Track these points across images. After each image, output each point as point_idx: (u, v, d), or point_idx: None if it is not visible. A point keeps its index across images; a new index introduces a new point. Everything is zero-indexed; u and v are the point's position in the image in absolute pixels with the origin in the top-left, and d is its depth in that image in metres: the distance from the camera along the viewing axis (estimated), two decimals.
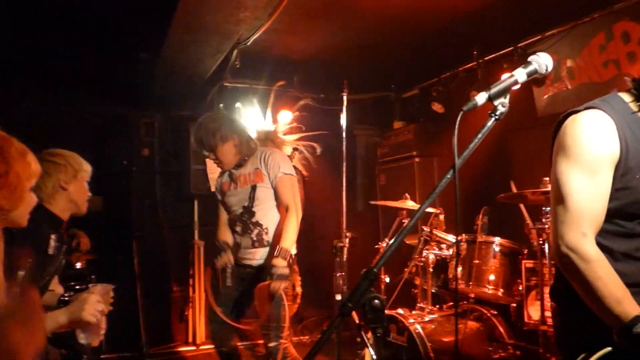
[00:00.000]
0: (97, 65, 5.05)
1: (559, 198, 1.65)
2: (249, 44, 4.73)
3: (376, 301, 1.40)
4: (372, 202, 4.94)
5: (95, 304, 2.05)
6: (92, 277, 4.63)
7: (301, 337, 5.99)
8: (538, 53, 1.63)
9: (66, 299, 2.41)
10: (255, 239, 3.38)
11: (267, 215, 3.39)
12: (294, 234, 3.24)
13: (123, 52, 4.91)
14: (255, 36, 4.60)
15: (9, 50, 4.56)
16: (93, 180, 2.80)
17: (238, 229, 3.44)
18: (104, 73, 5.21)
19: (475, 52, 5.11)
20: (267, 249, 3.37)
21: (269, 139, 4.50)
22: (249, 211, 3.37)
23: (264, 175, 3.36)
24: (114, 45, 4.77)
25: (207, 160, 5.39)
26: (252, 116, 5.80)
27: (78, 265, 4.77)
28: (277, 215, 3.42)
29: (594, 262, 1.55)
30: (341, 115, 3.23)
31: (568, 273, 1.61)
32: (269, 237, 3.38)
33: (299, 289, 3.57)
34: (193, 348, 5.49)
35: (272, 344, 3.33)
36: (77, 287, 3.73)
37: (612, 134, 1.61)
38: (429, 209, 3.79)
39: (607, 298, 1.51)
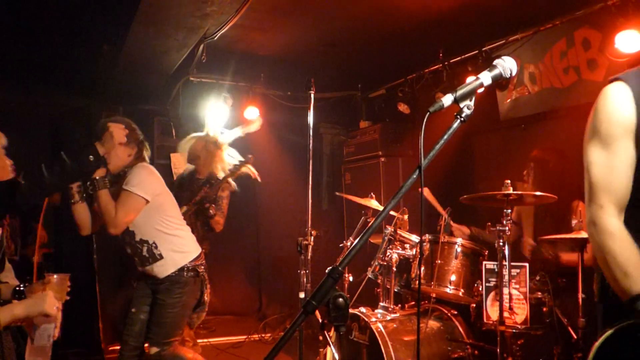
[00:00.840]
0: (55, 53, 4.91)
1: (584, 173, 1.68)
2: (215, 39, 4.68)
3: (340, 299, 1.41)
4: (338, 194, 4.94)
5: (54, 297, 2.01)
6: (50, 271, 4.52)
7: (263, 335, 5.97)
8: (503, 57, 1.66)
9: (21, 289, 2.35)
10: (147, 255, 3.31)
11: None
12: None
13: (86, 42, 4.78)
14: (222, 31, 4.54)
15: None
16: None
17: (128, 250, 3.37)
18: (63, 62, 5.07)
19: (441, 54, 5.18)
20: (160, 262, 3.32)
21: (210, 143, 4.48)
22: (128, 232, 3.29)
23: None
24: (77, 35, 4.64)
25: (172, 154, 5.33)
26: (218, 112, 5.75)
27: (35, 258, 4.65)
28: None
29: (609, 235, 1.57)
30: (308, 113, 3.21)
31: (591, 245, 1.64)
32: (159, 250, 3.30)
33: (206, 298, 3.53)
34: None
35: (153, 350, 3.28)
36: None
37: (627, 104, 1.61)
38: (393, 212, 3.82)
39: (615, 270, 1.54)
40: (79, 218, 3.23)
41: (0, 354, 2.23)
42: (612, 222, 1.59)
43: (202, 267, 3.47)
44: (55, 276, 2.19)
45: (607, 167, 1.61)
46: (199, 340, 5.63)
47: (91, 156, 2.90)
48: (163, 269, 3.31)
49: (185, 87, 5.80)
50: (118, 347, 5.18)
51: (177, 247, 3.37)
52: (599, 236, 1.59)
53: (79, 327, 4.77)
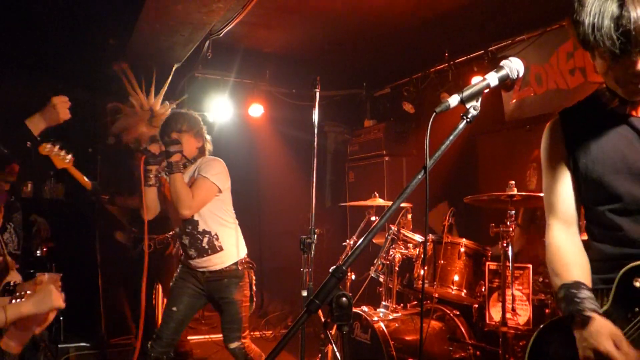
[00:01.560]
0: (62, 47, 4.91)
1: None
2: (221, 35, 4.68)
3: (343, 299, 1.40)
4: (342, 204, 4.95)
5: (58, 294, 2.01)
6: (53, 264, 4.53)
7: (264, 332, 5.97)
8: (510, 58, 1.65)
9: (11, 287, 2.34)
10: (207, 247, 3.36)
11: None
12: None
13: (92, 36, 4.79)
14: (228, 28, 4.54)
15: None
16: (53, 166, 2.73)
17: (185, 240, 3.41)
18: (69, 56, 5.07)
19: (446, 54, 5.16)
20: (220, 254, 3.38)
21: (142, 119, 4.53)
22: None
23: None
24: (83, 29, 4.64)
25: None
26: (221, 108, 5.76)
27: (38, 252, 4.66)
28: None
29: (547, 245, 1.81)
30: (313, 111, 3.20)
31: None
32: (219, 242, 3.37)
33: (254, 290, 3.58)
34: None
35: (234, 345, 3.33)
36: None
37: (558, 135, 1.84)
38: (403, 204, 3.81)
39: (550, 272, 1.77)
40: (150, 200, 3.34)
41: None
42: (552, 235, 1.81)
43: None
44: (46, 275, 2.18)
45: (550, 190, 1.83)
46: (200, 337, 5.67)
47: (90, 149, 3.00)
48: (220, 260, 3.36)
49: (190, 83, 5.80)
50: (120, 341, 5.25)
51: (235, 241, 3.44)
52: (546, 247, 1.81)
53: (82, 321, 4.78)
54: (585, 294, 1.61)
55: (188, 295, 3.43)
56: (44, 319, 2.04)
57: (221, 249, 3.36)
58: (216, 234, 3.36)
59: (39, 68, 5.19)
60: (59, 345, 4.67)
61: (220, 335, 3.44)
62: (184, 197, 3.19)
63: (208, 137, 3.55)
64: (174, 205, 3.25)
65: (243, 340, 3.36)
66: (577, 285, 1.64)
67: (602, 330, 1.52)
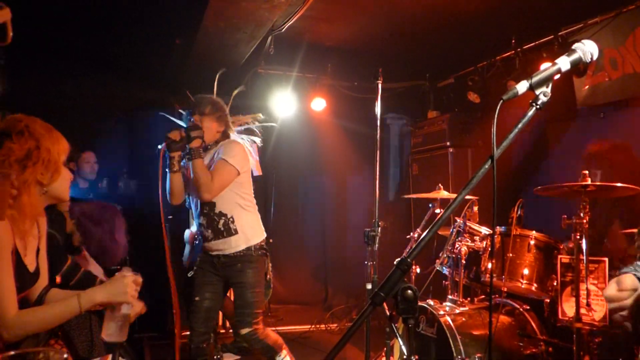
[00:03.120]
0: (129, 48, 5.10)
1: None
2: (283, 30, 4.72)
3: (409, 292, 1.39)
4: (406, 197, 4.87)
5: (133, 285, 2.06)
6: (127, 258, 4.71)
7: (330, 325, 6.01)
8: (583, 40, 1.57)
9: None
10: (222, 229, 3.39)
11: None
12: None
13: (159, 36, 4.94)
14: (290, 23, 4.58)
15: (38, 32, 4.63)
16: (127, 164, 2.84)
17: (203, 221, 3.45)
18: (137, 56, 5.26)
19: (513, 41, 4.99)
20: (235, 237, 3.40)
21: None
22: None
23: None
24: (150, 29, 4.80)
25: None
26: (284, 103, 5.82)
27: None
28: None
29: None
30: (375, 104, 3.18)
31: None
32: (235, 225, 3.40)
33: (270, 276, 3.60)
34: (222, 331, 5.55)
35: (245, 331, 3.35)
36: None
37: None
38: (465, 197, 3.74)
39: None
40: (175, 186, 3.40)
41: (89, 336, 2.34)
42: None
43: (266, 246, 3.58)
44: (131, 273, 2.24)
45: None
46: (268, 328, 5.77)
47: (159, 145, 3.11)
48: (235, 244, 3.39)
49: (253, 79, 5.89)
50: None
51: (251, 225, 3.47)
52: None
53: (153, 312, 4.96)
54: None
55: (209, 284, 3.48)
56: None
57: (236, 232, 3.39)
58: (232, 217, 3.39)
59: (108, 68, 5.42)
60: (134, 335, 4.88)
61: (288, 328, 3.49)
62: (204, 181, 3.23)
63: (234, 122, 3.57)
64: (194, 188, 3.32)
65: (255, 327, 3.36)
66: None
67: None
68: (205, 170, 3.27)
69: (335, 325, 6.01)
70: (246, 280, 3.38)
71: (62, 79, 5.40)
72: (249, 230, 3.44)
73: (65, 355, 1.36)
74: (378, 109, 3.20)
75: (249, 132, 3.68)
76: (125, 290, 2.01)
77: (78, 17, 4.61)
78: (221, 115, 3.45)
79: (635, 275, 2.65)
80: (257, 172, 5.92)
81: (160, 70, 5.53)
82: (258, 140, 3.67)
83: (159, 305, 5.16)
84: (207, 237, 3.43)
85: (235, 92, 4.49)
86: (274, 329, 5.67)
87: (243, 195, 3.45)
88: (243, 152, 3.43)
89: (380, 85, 3.24)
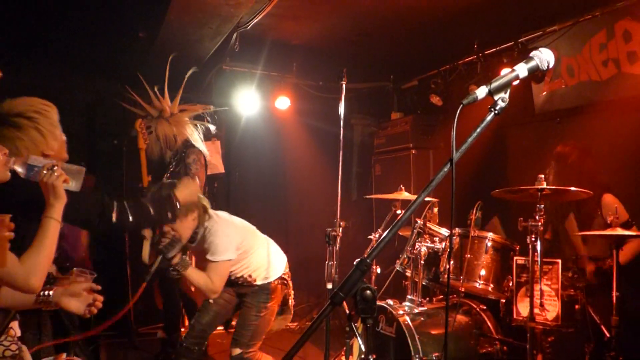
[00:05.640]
0: (92, 40, 4.98)
1: None
2: (249, 27, 4.69)
3: (368, 292, 1.40)
4: (368, 197, 4.91)
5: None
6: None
7: (289, 324, 6.00)
8: (540, 49, 1.62)
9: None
10: (245, 284, 3.46)
11: None
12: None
13: (123, 29, 4.84)
14: (256, 20, 4.55)
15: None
16: (85, 157, 2.77)
17: None
18: (100, 49, 5.14)
19: (476, 46, 5.09)
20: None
21: (163, 118, 4.49)
22: None
23: None
24: (114, 22, 4.71)
25: (205, 142, 5.36)
26: (248, 100, 5.79)
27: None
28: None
29: None
30: (340, 104, 3.20)
31: None
32: (252, 277, 3.43)
33: (291, 302, 3.66)
34: (182, 329, 5.48)
35: (235, 352, 3.34)
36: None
37: None
38: (425, 198, 3.79)
39: None
40: (195, 279, 3.16)
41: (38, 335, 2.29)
42: None
43: (287, 274, 3.60)
44: (80, 274, 2.25)
45: None
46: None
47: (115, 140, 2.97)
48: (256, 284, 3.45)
49: (218, 76, 5.84)
50: (148, 330, 5.33)
51: (265, 266, 3.47)
52: None
53: (110, 310, 4.86)
54: None
55: (226, 292, 3.47)
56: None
57: (255, 280, 3.42)
58: (248, 274, 3.41)
59: (68, 59, 5.28)
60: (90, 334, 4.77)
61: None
62: (204, 287, 3.17)
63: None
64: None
65: (248, 353, 3.35)
66: None
67: None
68: (201, 275, 3.15)
69: (296, 324, 6.01)
70: (255, 303, 3.40)
71: (21, 71, 5.23)
72: (263, 272, 3.46)
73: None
74: (342, 109, 3.22)
75: (198, 118, 3.55)
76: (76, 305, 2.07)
77: (36, 4, 4.47)
78: (189, 203, 3.01)
79: None
80: (220, 169, 5.88)
81: (123, 63, 5.42)
82: (212, 127, 3.58)
83: (116, 303, 5.07)
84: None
85: (190, 72, 4.40)
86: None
87: (251, 256, 3.41)
88: (226, 236, 3.25)
89: (344, 86, 3.25)
